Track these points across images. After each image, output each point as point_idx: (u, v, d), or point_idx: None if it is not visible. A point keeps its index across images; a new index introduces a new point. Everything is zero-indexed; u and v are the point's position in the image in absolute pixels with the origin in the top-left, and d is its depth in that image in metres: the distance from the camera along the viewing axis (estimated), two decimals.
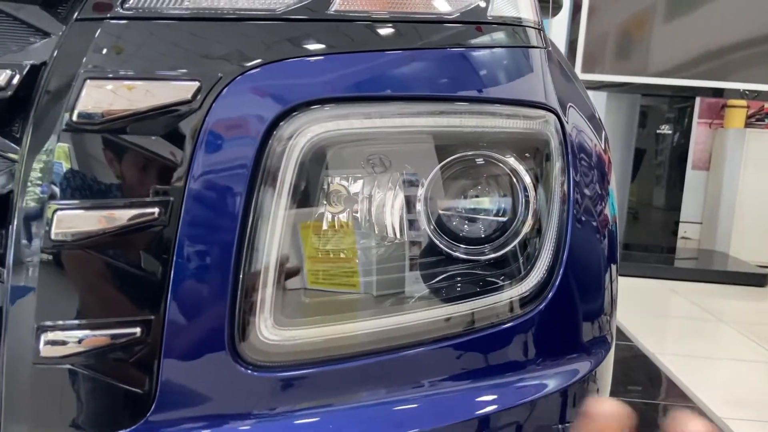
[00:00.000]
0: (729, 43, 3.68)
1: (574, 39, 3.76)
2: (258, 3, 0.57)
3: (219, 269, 0.54)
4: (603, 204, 0.71)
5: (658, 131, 4.14)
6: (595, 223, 0.69)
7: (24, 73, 0.53)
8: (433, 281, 0.63)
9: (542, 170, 0.65)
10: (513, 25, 0.66)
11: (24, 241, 0.52)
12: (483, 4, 0.63)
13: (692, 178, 4.64)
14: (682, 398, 2.05)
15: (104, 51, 0.53)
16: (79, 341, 0.52)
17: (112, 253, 0.52)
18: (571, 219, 0.65)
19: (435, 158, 0.62)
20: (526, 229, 0.64)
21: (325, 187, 0.60)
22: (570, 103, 0.69)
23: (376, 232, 0.62)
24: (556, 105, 0.65)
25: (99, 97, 0.52)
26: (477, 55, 0.63)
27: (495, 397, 0.61)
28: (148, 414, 0.54)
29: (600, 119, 0.77)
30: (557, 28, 3.98)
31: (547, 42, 0.70)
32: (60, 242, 0.52)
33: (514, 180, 0.64)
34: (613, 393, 0.74)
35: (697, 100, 4.34)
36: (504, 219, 0.64)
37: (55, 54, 0.54)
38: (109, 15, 0.54)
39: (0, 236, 0.54)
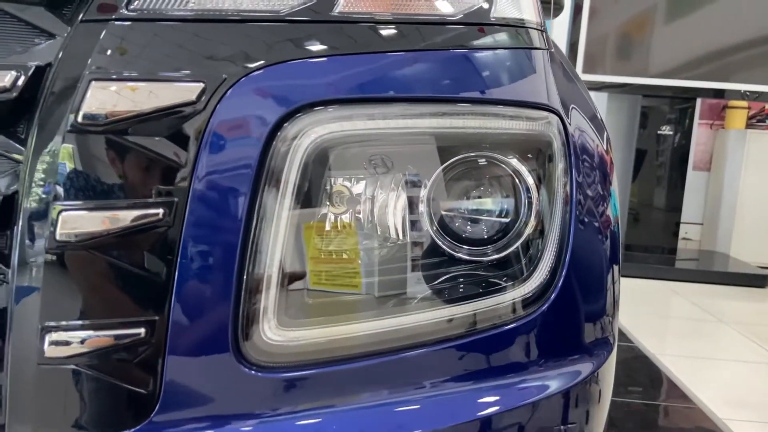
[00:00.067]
0: (730, 44, 3.68)
1: (575, 40, 3.76)
2: (262, 4, 0.57)
3: (223, 270, 0.54)
4: (605, 205, 0.71)
5: (659, 132, 4.14)
6: (597, 224, 0.69)
7: (29, 74, 0.53)
8: (436, 282, 0.63)
9: (545, 171, 0.65)
10: (516, 26, 0.66)
11: (29, 242, 0.52)
12: (486, 6, 0.63)
13: (693, 178, 4.64)
14: (682, 399, 2.05)
15: (109, 52, 0.54)
16: (84, 341, 0.53)
17: (117, 253, 0.53)
18: (574, 220, 0.65)
19: (438, 159, 0.62)
20: (528, 230, 0.64)
21: (328, 188, 0.60)
22: (572, 104, 0.69)
23: (379, 233, 0.62)
24: (558, 106, 0.65)
25: (104, 99, 0.52)
26: (480, 56, 0.63)
27: (497, 398, 0.62)
28: (152, 414, 0.54)
29: (602, 120, 0.77)
30: (558, 29, 3.98)
31: (550, 43, 0.70)
32: (65, 243, 0.52)
33: (517, 181, 0.64)
34: (614, 394, 0.74)
35: (698, 101, 4.34)
36: (507, 220, 0.64)
37: (60, 55, 0.54)
38: (114, 16, 0.55)
39: (5, 237, 0.54)
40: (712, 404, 2.00)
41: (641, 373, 2.26)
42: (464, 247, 0.63)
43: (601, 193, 0.70)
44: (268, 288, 0.56)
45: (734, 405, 2.03)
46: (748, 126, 4.57)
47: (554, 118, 0.65)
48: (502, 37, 0.65)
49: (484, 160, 0.63)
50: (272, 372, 0.56)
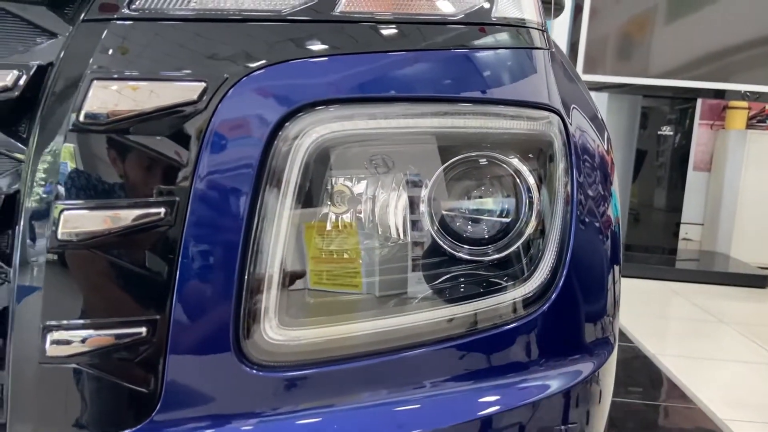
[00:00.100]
0: (730, 44, 3.68)
1: (576, 40, 3.76)
2: (263, 4, 0.57)
3: (224, 269, 0.54)
4: (606, 205, 0.71)
5: (659, 132, 4.14)
6: (598, 224, 0.69)
7: (31, 73, 0.53)
8: (437, 282, 0.63)
9: (546, 171, 0.65)
10: (517, 26, 0.66)
11: (30, 241, 0.52)
12: (487, 6, 0.64)
13: (693, 179, 4.64)
14: (682, 399, 2.05)
15: (111, 52, 0.54)
16: (85, 341, 0.53)
17: (119, 253, 0.53)
18: (575, 220, 0.65)
19: (439, 159, 0.62)
20: (529, 230, 0.64)
21: (330, 187, 0.60)
22: (573, 104, 0.69)
23: (380, 232, 0.62)
24: (559, 106, 0.65)
25: (105, 98, 0.52)
26: (481, 56, 0.63)
27: (498, 397, 0.62)
28: (153, 413, 0.54)
29: (603, 120, 0.77)
30: (559, 29, 3.98)
31: (551, 43, 0.70)
32: (66, 242, 0.52)
33: (518, 181, 0.64)
34: (615, 394, 0.74)
35: (699, 101, 4.34)
36: (507, 220, 0.64)
37: (61, 55, 0.54)
38: (115, 16, 0.55)
39: (6, 236, 0.55)
40: (712, 404, 2.00)
41: (641, 374, 2.26)
42: (465, 246, 0.63)
43: (602, 193, 0.70)
44: (269, 287, 0.56)
45: (734, 405, 2.03)
46: (749, 126, 4.57)
47: (555, 118, 0.65)
48: (503, 36, 0.65)
49: (485, 159, 0.63)
50: (273, 371, 0.56)
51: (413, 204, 0.62)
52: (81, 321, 0.53)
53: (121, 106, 0.52)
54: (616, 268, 0.71)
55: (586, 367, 0.67)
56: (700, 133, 4.86)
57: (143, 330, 0.53)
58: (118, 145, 0.53)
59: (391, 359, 0.59)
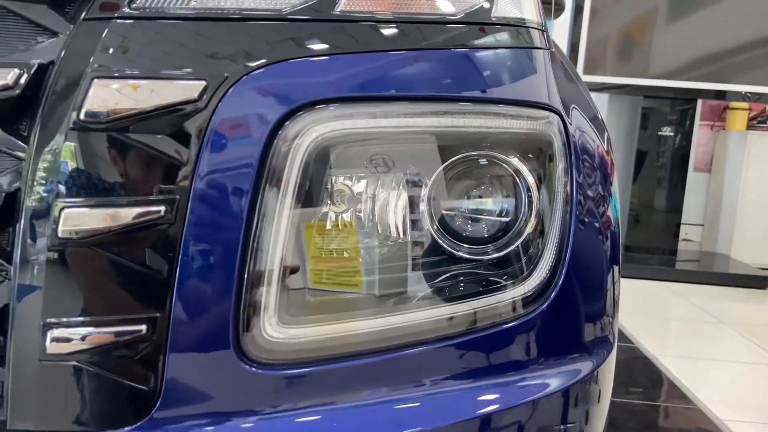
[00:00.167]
0: (731, 45, 3.68)
1: (576, 41, 3.76)
2: (264, 3, 0.57)
3: (224, 267, 0.54)
4: (605, 205, 0.71)
5: (659, 133, 4.14)
6: (597, 224, 0.69)
7: (32, 72, 0.53)
8: (436, 281, 0.63)
9: (545, 171, 0.65)
10: (517, 26, 0.66)
11: (31, 239, 0.52)
12: (487, 5, 0.64)
13: (694, 180, 4.64)
14: (682, 400, 2.05)
15: (111, 50, 0.54)
16: (85, 338, 0.53)
17: (119, 250, 0.53)
18: (574, 220, 0.65)
19: (438, 158, 0.62)
20: (529, 229, 0.64)
21: (329, 186, 0.60)
22: (573, 104, 0.69)
23: (380, 231, 0.62)
24: (559, 106, 0.66)
25: (106, 96, 0.52)
26: (481, 55, 0.63)
27: (497, 396, 0.62)
28: (153, 411, 0.54)
29: (603, 120, 0.77)
30: (559, 30, 3.98)
31: (551, 43, 0.70)
32: (67, 240, 0.52)
33: (518, 180, 0.64)
34: (615, 394, 0.74)
35: (699, 102, 4.34)
36: (507, 219, 0.64)
37: (62, 53, 0.54)
38: (116, 15, 0.55)
39: (7, 234, 0.55)
40: (712, 405, 2.00)
41: (642, 374, 2.26)
42: (465, 246, 0.63)
43: (602, 193, 0.70)
44: (269, 285, 0.56)
45: (734, 406, 2.03)
46: (749, 127, 4.57)
47: (555, 118, 0.65)
48: (502, 36, 0.65)
49: (484, 159, 0.64)
50: (273, 369, 0.56)
51: (413, 203, 0.62)
52: (81, 318, 0.53)
53: (122, 104, 0.52)
54: (616, 267, 0.72)
55: (585, 366, 0.67)
56: (700, 133, 4.86)
57: (143, 328, 0.53)
58: (119, 144, 0.53)
59: (390, 357, 0.60)
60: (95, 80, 0.53)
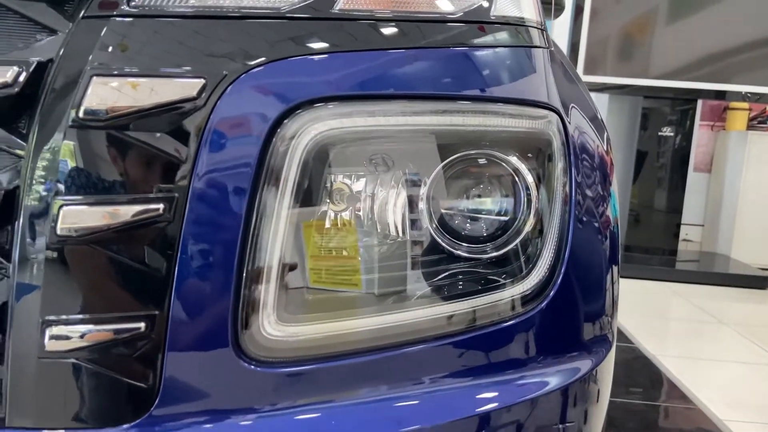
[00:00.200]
0: (731, 45, 3.68)
1: (576, 41, 3.76)
2: (262, 1, 0.57)
3: (223, 265, 0.54)
4: (605, 205, 0.71)
5: (659, 133, 4.14)
6: (596, 224, 0.69)
7: (31, 70, 0.53)
8: (435, 279, 0.63)
9: (544, 170, 0.65)
10: (516, 24, 0.66)
11: (29, 237, 0.52)
12: (486, 4, 0.64)
13: (694, 180, 4.64)
14: (682, 400, 2.05)
15: (110, 48, 0.54)
16: (84, 336, 0.53)
17: (117, 248, 0.53)
18: (573, 219, 0.65)
19: (437, 157, 0.62)
20: (527, 228, 0.64)
21: (328, 185, 0.60)
22: (572, 104, 0.69)
23: (379, 230, 0.62)
24: (558, 105, 0.66)
25: (105, 94, 0.52)
26: (480, 54, 0.63)
27: (496, 394, 0.62)
28: (152, 408, 0.54)
29: (602, 120, 0.77)
30: (559, 30, 3.98)
31: (550, 42, 0.70)
32: (66, 238, 0.52)
33: (517, 179, 0.64)
34: (615, 394, 0.74)
35: (699, 102, 4.34)
36: (506, 218, 0.65)
37: (61, 51, 0.54)
38: (115, 13, 0.55)
39: (6, 232, 0.55)
40: (713, 405, 2.00)
41: (642, 374, 2.26)
42: (464, 244, 0.63)
43: (601, 193, 0.70)
44: (267, 284, 0.56)
45: (734, 406, 2.03)
46: (749, 127, 4.57)
47: (554, 117, 0.65)
48: (502, 35, 0.65)
49: (483, 158, 0.64)
50: (271, 367, 0.56)
51: (412, 202, 0.62)
52: (80, 316, 0.53)
53: (121, 102, 0.52)
54: (615, 267, 0.72)
55: (584, 365, 0.67)
56: (700, 134, 4.86)
57: (142, 325, 0.53)
58: (118, 142, 0.53)
59: (389, 356, 0.60)
60: (94, 78, 0.53)
